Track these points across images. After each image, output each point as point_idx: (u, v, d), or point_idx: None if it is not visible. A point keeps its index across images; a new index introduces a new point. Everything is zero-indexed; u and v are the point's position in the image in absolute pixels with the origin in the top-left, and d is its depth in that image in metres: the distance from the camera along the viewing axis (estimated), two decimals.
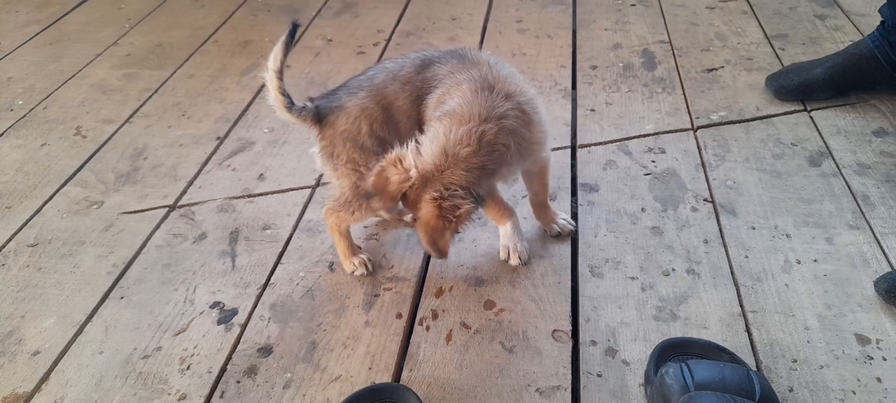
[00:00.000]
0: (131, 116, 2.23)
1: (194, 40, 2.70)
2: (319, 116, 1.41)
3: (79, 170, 1.99)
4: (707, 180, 1.78)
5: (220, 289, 1.55)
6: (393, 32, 2.70)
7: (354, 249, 1.57)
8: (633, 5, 2.79)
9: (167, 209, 1.81)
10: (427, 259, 1.60)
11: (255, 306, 1.50)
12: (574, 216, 1.70)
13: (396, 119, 1.41)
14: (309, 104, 1.41)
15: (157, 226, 1.75)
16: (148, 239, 1.71)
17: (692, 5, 2.75)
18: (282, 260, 1.62)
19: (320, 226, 1.71)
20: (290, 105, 1.38)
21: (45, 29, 2.89)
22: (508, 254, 1.56)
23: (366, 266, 1.56)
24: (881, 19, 2.00)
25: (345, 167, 1.42)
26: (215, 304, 1.51)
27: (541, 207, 1.61)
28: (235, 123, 2.16)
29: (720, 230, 1.62)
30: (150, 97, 2.33)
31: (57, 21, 2.96)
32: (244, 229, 1.72)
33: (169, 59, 2.58)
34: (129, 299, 1.54)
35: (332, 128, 1.40)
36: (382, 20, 2.80)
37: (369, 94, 1.41)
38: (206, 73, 2.46)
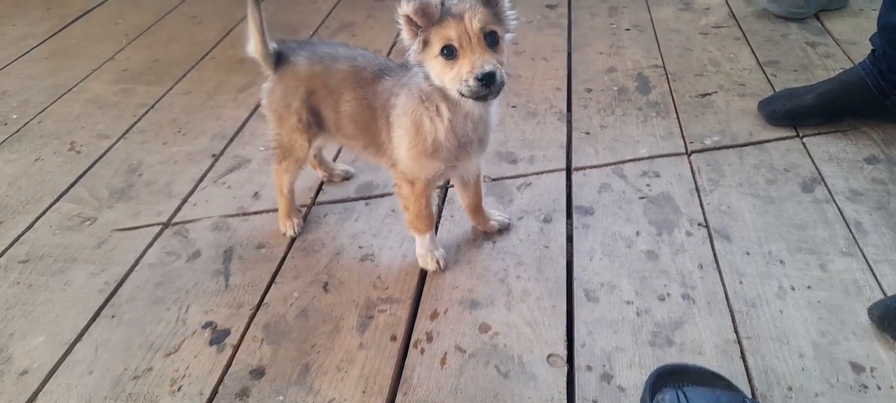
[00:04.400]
0: (127, 132, 2.22)
1: (192, 56, 2.71)
2: (278, 60, 1.56)
3: (72, 185, 1.97)
4: (701, 205, 1.79)
5: (213, 309, 1.53)
6: (389, 53, 2.71)
7: (292, 212, 1.74)
8: (628, 30, 2.82)
9: (161, 226, 1.80)
10: (422, 280, 1.59)
11: (247, 327, 1.48)
12: (569, 238, 1.70)
13: (335, 109, 1.53)
14: (273, 46, 1.55)
15: (151, 244, 1.74)
16: (141, 256, 1.69)
17: (686, 31, 2.78)
18: (276, 280, 1.61)
19: (315, 245, 1.71)
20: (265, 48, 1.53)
21: (41, 43, 2.89)
22: (426, 263, 1.62)
23: (294, 229, 1.73)
24: (872, 48, 2.03)
25: (272, 113, 1.60)
26: (208, 324, 1.49)
27: (476, 210, 1.69)
28: (231, 140, 2.16)
29: (715, 255, 1.62)
30: (146, 113, 2.33)
31: (53, 35, 2.96)
32: (238, 248, 1.71)
33: (166, 74, 2.58)
34: (121, 318, 1.52)
35: (280, 76, 1.56)
36: (380, 40, 2.82)
37: (324, 71, 1.53)
38: (202, 90, 2.46)
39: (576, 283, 1.56)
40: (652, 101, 2.29)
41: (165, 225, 1.80)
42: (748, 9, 2.94)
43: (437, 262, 1.61)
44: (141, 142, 2.17)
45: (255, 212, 1.84)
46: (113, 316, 1.53)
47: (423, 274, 1.61)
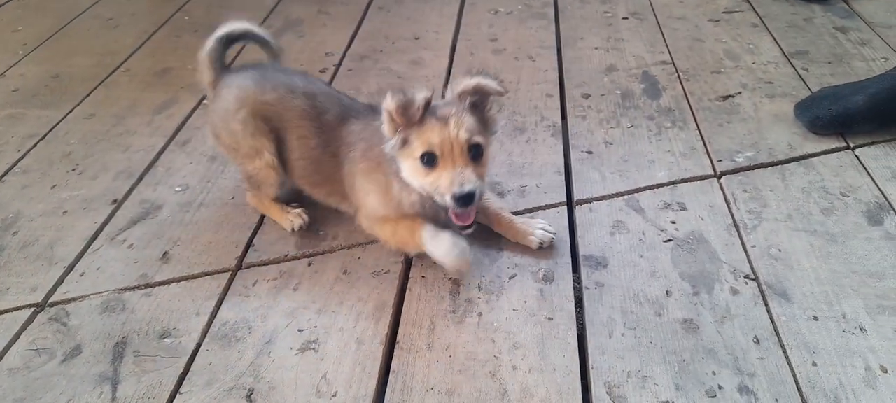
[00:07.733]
0: (6, 174, 1.74)
1: (100, 69, 2.22)
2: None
3: None
4: (744, 247, 1.39)
5: None
6: (344, 56, 2.26)
7: (286, 208, 1.50)
8: (626, 18, 2.40)
9: (33, 309, 1.34)
10: (383, 378, 1.16)
11: None
12: (578, 303, 1.29)
13: (289, 147, 1.42)
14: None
15: (15, 337, 1.28)
16: None
17: (693, 18, 2.38)
18: (182, 388, 1.16)
19: (238, 330, 1.26)
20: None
21: None
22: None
23: (302, 217, 1.48)
24: None
25: (227, 150, 1.48)
26: None
27: (499, 222, 1.42)
28: (140, 179, 1.69)
29: (772, 322, 1.22)
30: (35, 146, 1.85)
31: None
32: (134, 338, 1.26)
33: (65, 94, 2.09)
34: None
35: (219, 101, 1.44)
36: (332, 41, 2.36)
37: (283, 106, 1.40)
38: (109, 112, 1.98)
39: (593, 375, 1.15)
40: (664, 108, 1.87)
41: (39, 308, 1.34)
42: None
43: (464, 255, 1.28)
44: (22, 186, 1.69)
45: (162, 283, 1.38)
46: None
47: (386, 370, 1.18)
